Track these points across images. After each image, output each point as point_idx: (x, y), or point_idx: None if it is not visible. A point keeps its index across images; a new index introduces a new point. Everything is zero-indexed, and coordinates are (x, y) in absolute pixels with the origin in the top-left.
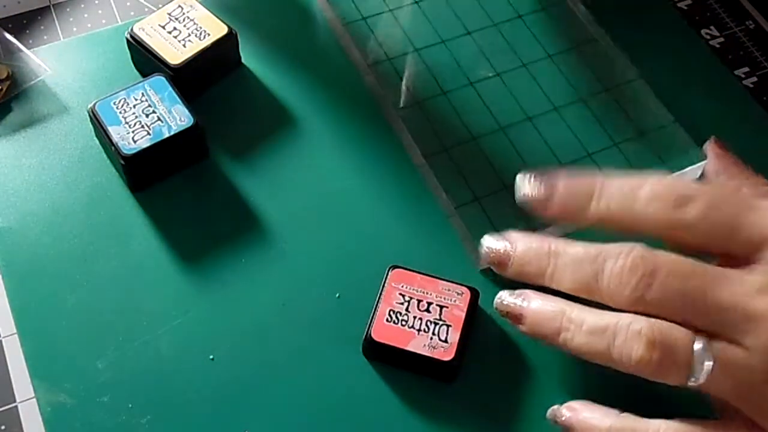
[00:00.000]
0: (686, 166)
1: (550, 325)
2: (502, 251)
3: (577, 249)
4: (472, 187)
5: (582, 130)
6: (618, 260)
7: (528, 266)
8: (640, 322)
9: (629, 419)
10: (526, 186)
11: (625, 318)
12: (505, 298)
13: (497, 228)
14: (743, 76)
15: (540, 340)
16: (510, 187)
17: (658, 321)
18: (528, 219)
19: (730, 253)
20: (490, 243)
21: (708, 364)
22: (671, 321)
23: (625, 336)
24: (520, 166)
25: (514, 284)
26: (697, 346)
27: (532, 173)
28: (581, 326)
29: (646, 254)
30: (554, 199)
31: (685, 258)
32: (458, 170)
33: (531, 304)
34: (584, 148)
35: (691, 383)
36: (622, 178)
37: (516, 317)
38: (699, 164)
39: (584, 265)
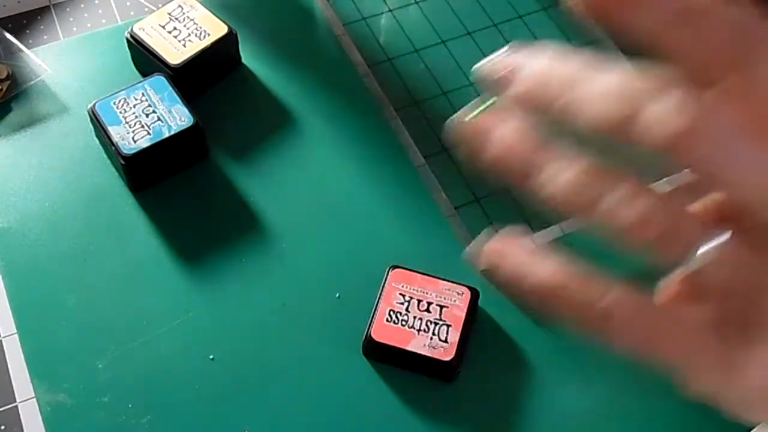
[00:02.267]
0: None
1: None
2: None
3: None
4: (472, 188)
5: None
6: (661, 101)
7: (536, 88)
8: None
9: None
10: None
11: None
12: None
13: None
14: None
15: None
16: (510, 187)
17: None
18: (531, 220)
19: None
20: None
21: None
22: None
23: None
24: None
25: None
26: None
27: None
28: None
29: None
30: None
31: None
32: (458, 170)
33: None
34: None
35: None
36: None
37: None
38: None
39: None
